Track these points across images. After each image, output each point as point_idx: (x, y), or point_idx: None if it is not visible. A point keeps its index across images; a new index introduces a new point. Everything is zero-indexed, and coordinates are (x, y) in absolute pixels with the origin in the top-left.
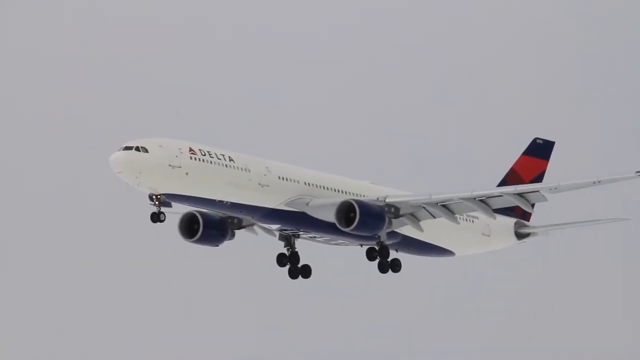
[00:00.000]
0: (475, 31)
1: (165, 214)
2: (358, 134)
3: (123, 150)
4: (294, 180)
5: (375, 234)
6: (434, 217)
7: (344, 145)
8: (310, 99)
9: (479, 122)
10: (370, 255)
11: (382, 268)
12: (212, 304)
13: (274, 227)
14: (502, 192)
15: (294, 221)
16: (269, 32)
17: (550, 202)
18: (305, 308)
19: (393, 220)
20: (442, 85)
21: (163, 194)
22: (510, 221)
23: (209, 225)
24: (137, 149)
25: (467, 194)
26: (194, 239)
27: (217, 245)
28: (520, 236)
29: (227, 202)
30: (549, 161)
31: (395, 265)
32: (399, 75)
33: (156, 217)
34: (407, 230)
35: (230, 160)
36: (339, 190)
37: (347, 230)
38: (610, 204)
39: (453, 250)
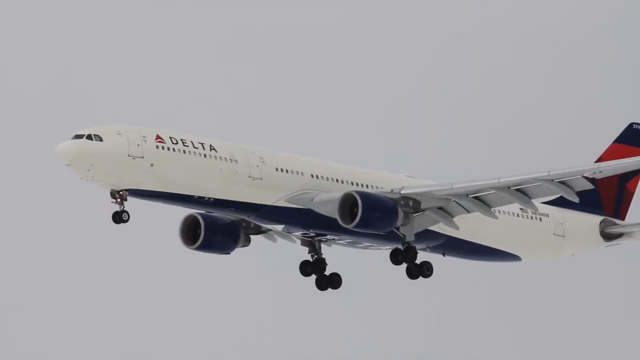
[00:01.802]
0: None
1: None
2: (395, 120)
3: (72, 139)
4: (297, 172)
5: (387, 232)
6: (467, 211)
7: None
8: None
9: (562, 106)
10: (395, 258)
11: (410, 273)
12: (226, 319)
13: (279, 227)
14: (534, 178)
15: (298, 220)
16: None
17: None
18: (335, 324)
19: (414, 216)
20: (518, 60)
21: (125, 190)
22: (595, 219)
23: (214, 229)
24: (90, 137)
25: (494, 182)
26: (194, 245)
27: (228, 253)
28: (608, 237)
29: (209, 198)
30: None
31: (426, 270)
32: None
33: (119, 217)
34: (453, 230)
35: (212, 149)
36: (356, 184)
37: (349, 227)
38: None
39: (517, 254)
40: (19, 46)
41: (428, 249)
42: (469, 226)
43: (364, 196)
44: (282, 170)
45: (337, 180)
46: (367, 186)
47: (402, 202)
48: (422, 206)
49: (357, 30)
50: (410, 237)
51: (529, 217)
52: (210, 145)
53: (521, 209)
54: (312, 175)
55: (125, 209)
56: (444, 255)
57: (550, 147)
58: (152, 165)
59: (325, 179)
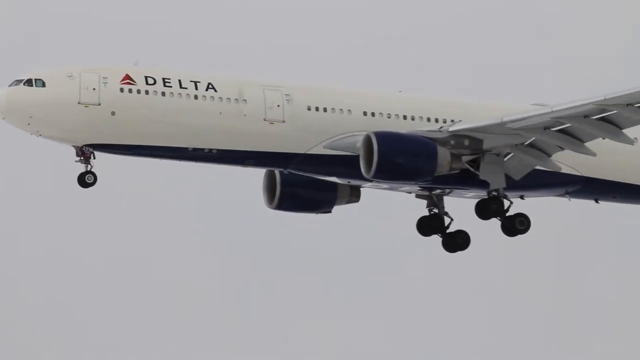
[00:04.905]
0: None
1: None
2: None
3: (10, 85)
4: (341, 110)
5: (421, 182)
6: (561, 148)
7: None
8: None
9: None
10: (479, 210)
11: (505, 228)
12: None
13: (331, 179)
14: (590, 103)
15: (348, 170)
16: None
17: None
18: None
19: (468, 157)
20: None
21: (87, 145)
22: None
23: (297, 184)
24: (29, 82)
25: (546, 112)
26: (273, 204)
27: (328, 212)
28: None
29: (210, 150)
30: None
31: (518, 223)
32: None
33: (82, 180)
34: (590, 169)
35: (210, 88)
36: (434, 120)
37: (369, 177)
38: None
39: None
40: None
41: (567, 195)
42: (619, 163)
43: (383, 137)
44: (316, 109)
45: (403, 117)
46: (446, 121)
47: (451, 141)
48: (486, 145)
49: None
50: (496, 184)
51: None
52: (209, 84)
53: None
54: (365, 113)
55: (91, 169)
56: (596, 202)
57: None
58: (113, 113)
59: (386, 116)
